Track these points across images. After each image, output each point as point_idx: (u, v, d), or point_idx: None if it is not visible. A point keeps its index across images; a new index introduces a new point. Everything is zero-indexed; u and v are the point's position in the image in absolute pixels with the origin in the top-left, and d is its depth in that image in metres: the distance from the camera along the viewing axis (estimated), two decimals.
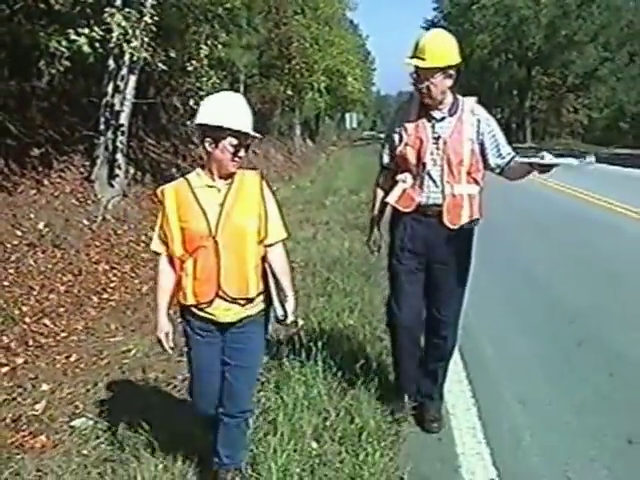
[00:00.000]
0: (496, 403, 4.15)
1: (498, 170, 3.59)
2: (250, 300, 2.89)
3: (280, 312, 2.94)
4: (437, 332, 3.75)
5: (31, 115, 9.35)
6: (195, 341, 2.94)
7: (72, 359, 5.14)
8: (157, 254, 2.95)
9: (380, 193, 3.79)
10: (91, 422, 3.89)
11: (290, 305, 2.97)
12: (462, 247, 3.66)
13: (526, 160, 3.38)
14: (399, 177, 3.63)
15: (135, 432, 3.51)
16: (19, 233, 7.21)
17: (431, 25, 69.24)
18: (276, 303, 2.94)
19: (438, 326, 3.73)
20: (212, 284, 2.83)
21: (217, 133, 2.76)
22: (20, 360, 5.10)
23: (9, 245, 6.88)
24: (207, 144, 2.79)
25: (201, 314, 2.88)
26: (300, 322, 2.87)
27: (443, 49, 3.40)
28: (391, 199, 3.64)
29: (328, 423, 3.63)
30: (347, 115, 55.51)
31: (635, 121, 48.34)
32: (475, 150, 3.52)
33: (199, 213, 2.82)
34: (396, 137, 3.63)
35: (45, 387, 4.55)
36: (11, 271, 6.56)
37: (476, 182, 3.56)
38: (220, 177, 2.85)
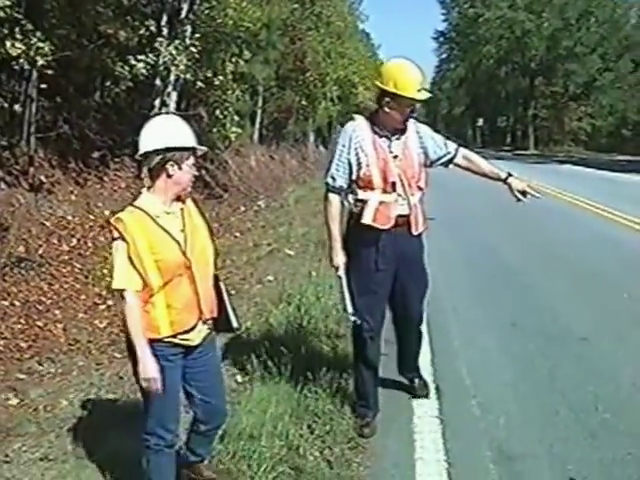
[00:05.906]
0: (436, 310, 6.04)
1: (438, 160, 3.91)
2: (213, 317, 2.94)
3: (236, 324, 3.02)
4: (407, 324, 4.14)
5: (89, 125, 11.35)
6: (162, 367, 2.73)
7: None
8: (120, 291, 2.66)
9: (336, 217, 3.80)
10: None
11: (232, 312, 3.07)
12: (421, 250, 3.98)
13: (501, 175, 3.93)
14: (362, 197, 3.71)
15: None
16: (92, 217, 9.15)
17: (441, 36, 71.22)
18: (232, 315, 3.00)
19: (407, 321, 4.11)
20: (194, 311, 2.78)
21: (181, 154, 2.72)
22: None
23: (87, 226, 8.83)
24: (170, 169, 2.70)
25: (176, 341, 2.79)
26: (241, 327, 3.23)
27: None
28: (367, 219, 3.67)
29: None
30: None
31: (636, 129, 49.73)
32: (422, 161, 3.82)
33: (172, 243, 2.71)
34: (353, 160, 3.68)
35: None
36: (90, 244, 8.50)
37: (421, 189, 3.83)
38: (173, 201, 2.79)
